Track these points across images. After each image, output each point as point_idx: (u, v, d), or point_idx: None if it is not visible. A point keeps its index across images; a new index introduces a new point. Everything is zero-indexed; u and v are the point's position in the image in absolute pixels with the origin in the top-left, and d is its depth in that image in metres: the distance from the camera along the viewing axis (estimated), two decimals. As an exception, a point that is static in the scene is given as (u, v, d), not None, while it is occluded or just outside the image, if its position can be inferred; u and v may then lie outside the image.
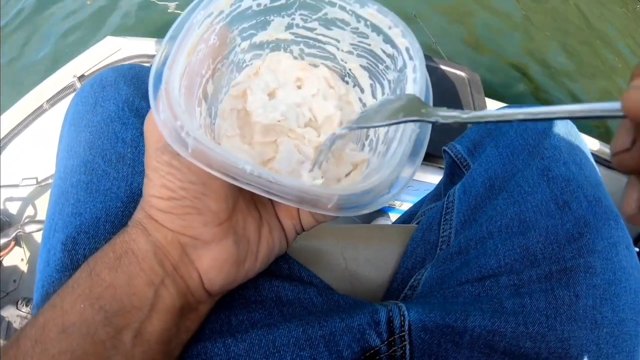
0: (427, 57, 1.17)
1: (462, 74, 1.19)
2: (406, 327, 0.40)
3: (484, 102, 1.16)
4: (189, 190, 0.32)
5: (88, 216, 0.41)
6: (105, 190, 0.42)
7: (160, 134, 0.31)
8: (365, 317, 0.41)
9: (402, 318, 0.41)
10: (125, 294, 0.31)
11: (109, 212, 0.41)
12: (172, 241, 0.34)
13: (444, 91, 1.12)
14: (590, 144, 1.33)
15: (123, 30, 1.90)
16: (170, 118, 0.28)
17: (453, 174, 0.67)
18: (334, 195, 0.29)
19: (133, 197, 0.42)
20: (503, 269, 0.46)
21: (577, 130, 0.56)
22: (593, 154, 1.30)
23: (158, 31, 1.88)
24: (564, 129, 0.55)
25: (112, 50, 1.16)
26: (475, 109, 1.10)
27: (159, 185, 0.32)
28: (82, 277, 0.32)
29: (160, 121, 0.29)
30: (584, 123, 2.21)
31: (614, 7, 3.05)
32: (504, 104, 1.31)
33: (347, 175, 0.41)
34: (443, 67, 1.17)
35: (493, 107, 1.25)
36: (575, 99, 2.35)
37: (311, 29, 0.41)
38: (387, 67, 0.40)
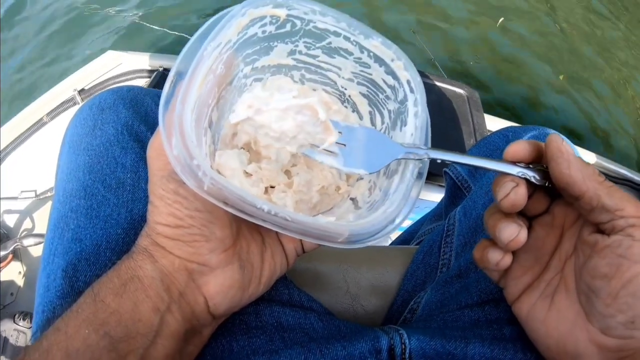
0: (425, 75, 1.17)
1: (461, 91, 1.19)
2: (407, 355, 0.40)
3: (483, 120, 1.17)
4: (197, 219, 0.33)
5: (88, 242, 0.41)
6: (106, 216, 0.42)
7: (165, 162, 0.31)
8: (367, 344, 0.41)
9: (403, 346, 0.40)
10: (130, 320, 0.31)
11: (109, 238, 0.41)
12: (179, 268, 0.34)
13: (443, 109, 1.12)
14: (589, 158, 1.34)
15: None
16: (185, 156, 0.28)
17: (454, 196, 0.67)
18: (345, 231, 0.31)
19: (133, 224, 0.42)
20: (503, 293, 0.46)
21: (576, 149, 0.56)
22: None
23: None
24: None
25: (112, 64, 1.16)
26: (474, 126, 1.11)
27: (166, 213, 0.32)
28: (86, 302, 0.32)
29: (173, 157, 0.29)
30: (586, 137, 2.22)
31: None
32: (504, 121, 1.32)
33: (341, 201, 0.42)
34: (442, 84, 1.18)
35: (492, 123, 1.25)
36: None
37: (314, 56, 0.41)
38: (387, 97, 0.40)
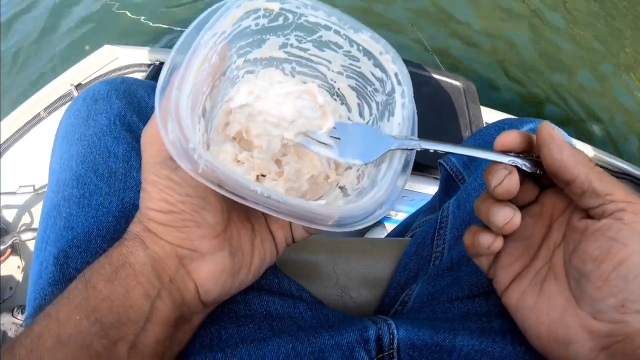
0: (421, 67, 1.17)
1: (458, 83, 1.19)
2: (395, 346, 0.40)
3: (480, 112, 1.16)
4: (188, 204, 0.33)
5: (80, 230, 0.41)
6: (98, 204, 0.42)
7: (158, 148, 0.32)
8: (355, 334, 0.41)
9: (391, 336, 0.41)
10: (121, 306, 0.31)
11: (100, 226, 0.41)
12: (170, 253, 0.34)
13: (439, 101, 1.11)
14: (587, 151, 1.34)
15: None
16: (181, 139, 0.29)
17: (448, 187, 0.67)
18: (335, 214, 0.31)
19: (124, 212, 0.43)
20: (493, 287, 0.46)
21: (571, 140, 0.56)
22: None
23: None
24: None
25: (109, 58, 1.16)
26: (470, 119, 1.11)
27: (158, 198, 0.33)
28: (77, 289, 0.32)
29: (168, 141, 0.29)
30: (586, 130, 2.22)
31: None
32: (500, 113, 1.31)
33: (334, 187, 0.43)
34: (438, 76, 1.18)
35: (488, 116, 1.25)
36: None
37: (304, 49, 0.42)
38: (375, 89, 0.41)
